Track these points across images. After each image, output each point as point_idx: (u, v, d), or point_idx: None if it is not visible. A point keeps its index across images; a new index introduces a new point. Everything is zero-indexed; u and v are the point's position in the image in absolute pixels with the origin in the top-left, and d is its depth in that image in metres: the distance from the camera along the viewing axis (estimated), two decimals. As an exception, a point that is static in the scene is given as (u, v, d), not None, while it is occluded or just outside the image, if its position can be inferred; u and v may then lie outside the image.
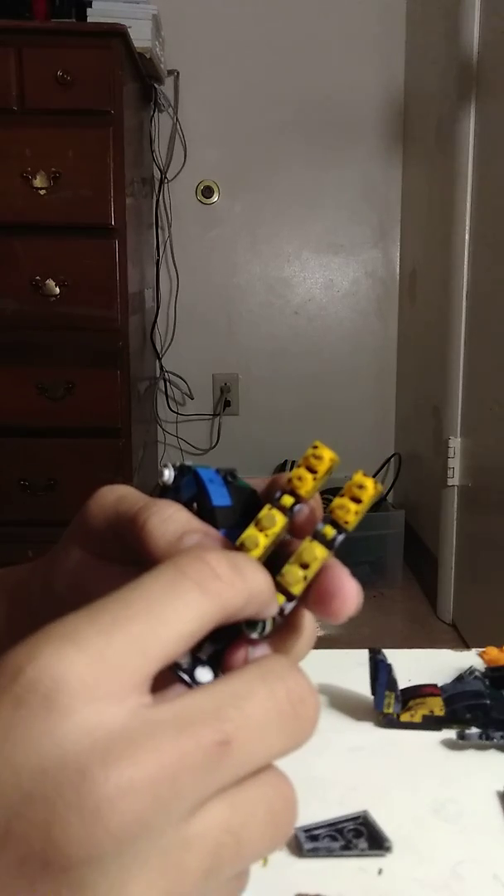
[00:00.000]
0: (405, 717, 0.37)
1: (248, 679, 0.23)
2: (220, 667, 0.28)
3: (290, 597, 0.28)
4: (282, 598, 0.28)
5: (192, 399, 2.68)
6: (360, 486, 0.28)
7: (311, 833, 0.29)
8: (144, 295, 2.45)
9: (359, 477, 0.29)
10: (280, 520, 0.29)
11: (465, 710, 0.37)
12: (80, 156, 1.97)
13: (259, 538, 0.28)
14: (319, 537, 0.28)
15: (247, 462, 2.67)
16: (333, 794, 0.32)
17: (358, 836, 0.29)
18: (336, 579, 0.28)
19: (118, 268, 2.02)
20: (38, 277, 2.00)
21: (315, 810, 0.31)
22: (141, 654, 0.22)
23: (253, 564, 0.27)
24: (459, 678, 0.40)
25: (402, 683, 0.39)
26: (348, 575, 0.29)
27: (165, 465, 0.33)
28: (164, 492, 0.33)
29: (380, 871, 0.28)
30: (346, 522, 0.28)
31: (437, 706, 0.37)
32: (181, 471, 0.33)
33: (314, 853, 0.28)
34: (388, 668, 0.38)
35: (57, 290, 2.01)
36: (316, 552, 0.28)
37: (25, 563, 0.37)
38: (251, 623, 0.28)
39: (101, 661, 0.21)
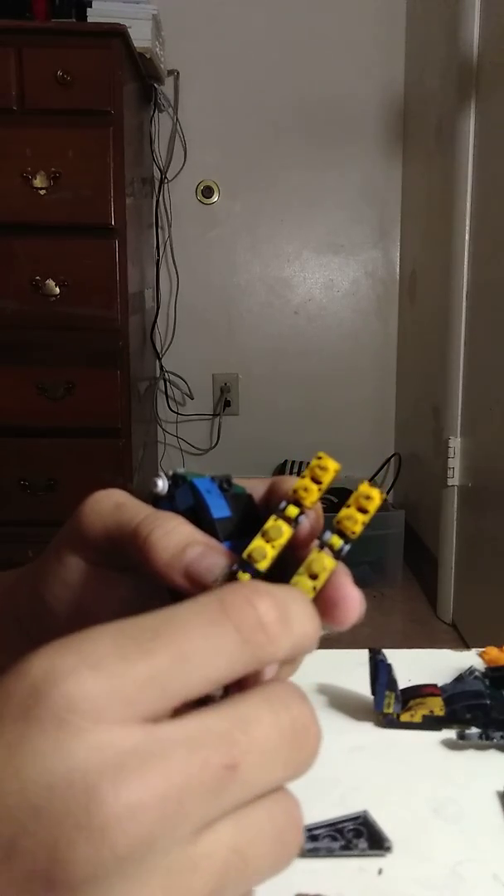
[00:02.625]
0: (405, 717, 0.37)
1: (254, 704, 0.23)
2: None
3: None
4: None
5: (192, 399, 2.68)
6: (367, 497, 0.29)
7: (311, 833, 0.29)
8: (144, 295, 2.45)
9: (365, 488, 0.29)
10: (286, 531, 0.29)
11: (465, 710, 0.37)
12: (80, 156, 1.97)
13: (266, 550, 0.28)
14: (327, 546, 0.29)
15: (247, 462, 2.67)
16: (333, 794, 0.32)
17: (358, 836, 0.29)
18: (341, 588, 0.29)
19: (118, 268, 2.02)
20: (38, 277, 2.00)
21: (315, 810, 0.31)
22: (160, 689, 0.21)
23: (305, 611, 0.26)
24: (459, 678, 0.40)
25: (402, 683, 0.39)
26: (352, 583, 0.29)
27: (158, 476, 0.33)
28: (156, 500, 0.33)
29: (380, 871, 0.28)
30: (353, 533, 0.29)
31: (437, 706, 0.37)
32: (175, 480, 0.33)
33: (314, 853, 0.28)
34: (388, 668, 0.38)
35: (57, 290, 2.01)
36: (325, 563, 0.28)
37: (8, 570, 0.37)
38: None
39: (119, 690, 0.21)
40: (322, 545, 0.29)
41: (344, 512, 0.29)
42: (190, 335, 2.64)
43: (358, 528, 0.29)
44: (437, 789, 0.33)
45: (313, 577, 0.28)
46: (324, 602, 0.29)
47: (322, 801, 0.32)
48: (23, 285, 2.01)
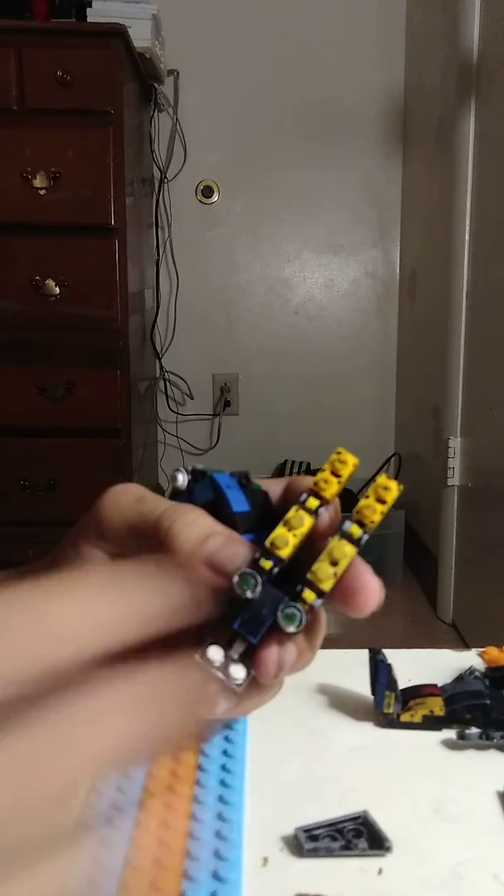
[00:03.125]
0: (405, 717, 0.37)
1: None
2: (251, 664, 0.29)
3: (320, 594, 0.29)
4: (311, 596, 0.29)
5: (192, 399, 2.68)
6: (386, 488, 0.30)
7: (311, 833, 0.29)
8: (144, 295, 2.45)
9: (383, 479, 0.30)
10: (308, 521, 0.30)
11: (465, 710, 0.37)
12: (80, 156, 1.97)
13: (289, 538, 0.29)
14: (347, 536, 0.30)
15: (247, 462, 2.67)
16: (333, 794, 0.32)
17: (358, 836, 0.29)
18: (360, 576, 0.30)
19: (118, 268, 2.02)
20: (38, 277, 2.00)
21: (315, 810, 0.31)
22: None
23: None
24: (459, 678, 0.40)
25: (402, 683, 0.39)
26: (371, 571, 0.30)
27: (178, 470, 0.33)
28: (175, 495, 0.34)
29: (380, 871, 0.28)
30: (372, 522, 0.30)
31: (437, 706, 0.37)
32: (194, 475, 0.33)
33: (314, 853, 0.28)
34: (388, 668, 0.38)
35: (57, 290, 2.01)
36: (346, 550, 0.29)
37: (8, 569, 0.37)
38: (289, 616, 0.29)
39: None
40: (342, 535, 0.30)
41: (363, 502, 0.30)
42: (190, 335, 2.64)
43: (377, 518, 0.30)
44: (437, 789, 0.33)
45: (334, 563, 0.29)
46: (343, 590, 0.30)
47: (322, 801, 0.32)
48: (23, 285, 2.01)
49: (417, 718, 0.37)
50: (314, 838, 0.29)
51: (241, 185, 2.61)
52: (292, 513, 0.30)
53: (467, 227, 1.95)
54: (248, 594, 0.29)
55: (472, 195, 1.93)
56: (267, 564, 0.29)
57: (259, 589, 0.29)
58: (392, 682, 0.38)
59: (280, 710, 0.39)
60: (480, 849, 0.29)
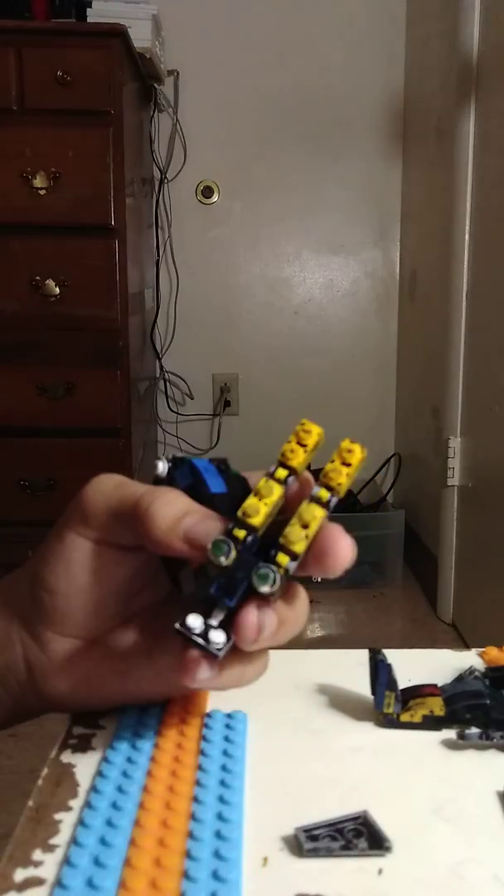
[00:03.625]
0: (405, 717, 0.37)
1: None
2: (231, 628, 0.30)
3: (293, 556, 0.30)
4: (285, 559, 0.30)
5: (192, 399, 2.68)
6: (350, 451, 0.31)
7: (311, 833, 0.29)
8: (144, 295, 2.45)
9: (346, 443, 0.31)
10: (277, 490, 0.31)
11: (465, 710, 0.37)
12: (80, 156, 1.97)
13: (259, 506, 0.30)
14: (316, 500, 0.30)
15: (247, 462, 2.63)
16: (333, 794, 0.32)
17: (358, 836, 0.29)
18: (331, 536, 0.30)
19: (118, 268, 2.02)
20: (38, 277, 2.00)
21: (315, 810, 0.31)
22: None
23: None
24: (459, 678, 0.40)
25: (402, 683, 0.39)
26: (342, 531, 0.31)
27: (159, 458, 0.34)
28: (156, 482, 0.34)
29: (380, 871, 0.28)
30: (339, 485, 0.30)
31: (437, 706, 0.37)
32: (175, 462, 0.34)
33: (314, 853, 0.28)
34: (388, 668, 0.38)
35: (57, 290, 2.01)
36: (315, 512, 0.30)
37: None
38: (262, 576, 0.29)
39: None
40: (311, 499, 0.30)
41: (329, 466, 0.31)
42: (190, 335, 2.64)
43: (343, 480, 0.30)
44: (437, 789, 0.33)
45: (304, 526, 0.30)
46: (316, 550, 0.30)
47: (322, 801, 0.32)
48: (23, 285, 2.01)
49: (417, 718, 0.37)
50: (314, 838, 0.29)
51: (241, 185, 2.61)
52: (262, 483, 0.31)
53: (467, 227, 1.95)
54: (223, 560, 0.30)
55: (472, 195, 1.93)
56: (240, 534, 0.30)
57: (233, 555, 0.30)
58: (392, 682, 0.38)
59: (280, 710, 0.39)
60: (480, 849, 0.29)
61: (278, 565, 0.30)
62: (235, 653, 0.31)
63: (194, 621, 0.30)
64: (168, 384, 2.67)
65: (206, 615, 0.30)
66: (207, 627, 0.30)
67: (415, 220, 2.53)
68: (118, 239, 2.01)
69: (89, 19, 2.05)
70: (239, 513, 0.30)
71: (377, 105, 2.59)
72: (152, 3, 2.18)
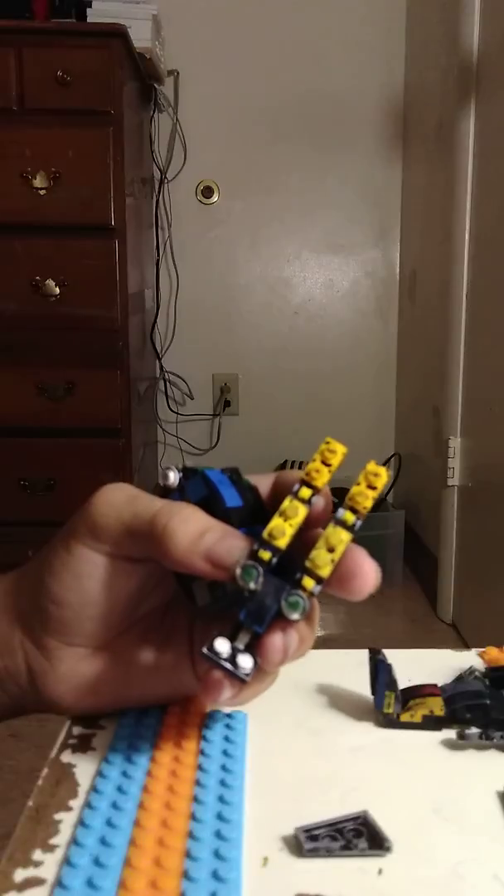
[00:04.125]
0: (405, 717, 0.37)
1: None
2: (256, 652, 0.30)
3: (319, 580, 0.30)
4: (311, 583, 0.30)
5: (192, 399, 2.68)
6: (376, 475, 0.31)
7: (311, 833, 0.29)
8: (144, 295, 2.45)
9: (373, 466, 0.31)
10: (302, 511, 0.31)
11: (465, 710, 0.37)
12: (80, 156, 1.97)
13: (285, 528, 0.30)
14: (341, 523, 0.30)
15: (247, 462, 2.66)
16: (333, 794, 0.32)
17: (358, 836, 0.29)
18: (356, 560, 0.30)
19: (118, 268, 2.02)
20: (38, 277, 2.01)
21: (315, 810, 0.31)
22: None
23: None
24: (459, 678, 0.40)
25: (402, 683, 0.39)
26: (366, 555, 0.31)
27: (169, 468, 0.34)
28: (166, 493, 0.34)
29: (380, 871, 0.28)
30: (365, 508, 0.30)
31: (437, 706, 0.37)
32: (185, 473, 0.34)
33: (314, 853, 0.28)
34: (388, 668, 0.38)
35: (57, 290, 2.01)
36: (341, 536, 0.30)
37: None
38: (293, 604, 0.29)
39: None
40: (336, 522, 0.30)
41: (355, 489, 0.31)
42: (190, 335, 2.64)
43: (369, 504, 0.30)
44: (437, 789, 0.33)
45: (331, 549, 0.30)
46: (341, 574, 0.30)
47: (322, 801, 0.32)
48: (23, 285, 2.01)
49: (417, 718, 0.37)
50: (314, 838, 0.29)
51: (241, 185, 2.61)
52: (287, 503, 0.31)
53: (467, 227, 1.95)
54: (252, 586, 0.29)
55: (472, 195, 1.93)
56: (266, 555, 0.30)
57: (261, 580, 0.29)
58: (392, 682, 0.38)
59: (280, 710, 0.39)
60: (480, 849, 0.29)
61: (304, 588, 0.30)
62: (257, 672, 0.31)
63: (222, 646, 0.30)
64: (168, 384, 2.67)
65: (232, 638, 0.30)
66: (234, 651, 0.30)
67: (415, 220, 2.53)
68: (118, 239, 2.02)
69: (89, 19, 2.05)
70: (265, 534, 0.30)
71: (377, 105, 2.59)
72: (152, 3, 2.18)
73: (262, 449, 2.68)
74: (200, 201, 2.61)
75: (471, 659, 0.44)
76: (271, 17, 2.52)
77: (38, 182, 1.97)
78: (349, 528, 0.30)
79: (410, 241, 2.58)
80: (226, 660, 0.29)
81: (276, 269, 2.67)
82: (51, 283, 2.01)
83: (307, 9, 2.52)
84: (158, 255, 2.60)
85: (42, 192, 1.97)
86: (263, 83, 2.55)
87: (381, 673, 0.38)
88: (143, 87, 2.36)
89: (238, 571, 0.29)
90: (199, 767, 0.32)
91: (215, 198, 2.61)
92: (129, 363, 2.09)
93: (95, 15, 2.06)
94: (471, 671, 0.41)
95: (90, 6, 2.06)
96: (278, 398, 2.70)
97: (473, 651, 0.45)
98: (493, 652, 0.44)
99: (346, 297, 2.70)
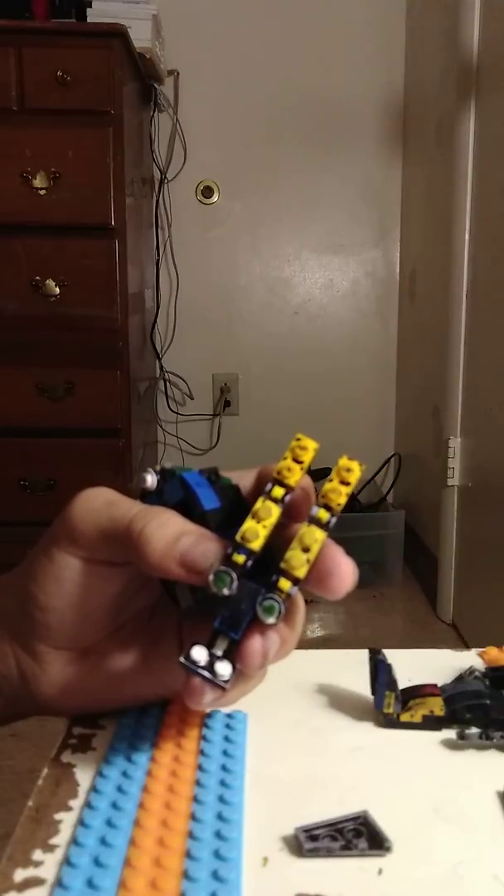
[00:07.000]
0: (405, 717, 0.37)
1: None
2: (236, 657, 0.30)
3: (295, 581, 0.29)
4: (287, 584, 0.29)
5: (192, 399, 2.68)
6: (348, 470, 0.30)
7: (311, 833, 0.29)
8: (144, 295, 2.45)
9: (345, 461, 0.30)
10: (275, 511, 0.30)
11: (465, 710, 0.37)
12: (80, 156, 1.97)
13: (258, 530, 0.29)
14: (315, 521, 0.30)
15: (247, 462, 2.64)
16: (333, 794, 0.32)
17: (358, 836, 0.29)
18: (332, 559, 0.30)
19: (118, 268, 2.02)
20: (38, 277, 2.01)
21: (315, 810, 0.31)
22: None
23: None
24: (459, 678, 0.40)
25: (402, 683, 0.39)
26: (343, 553, 0.30)
27: (146, 471, 0.33)
28: (144, 495, 0.33)
29: (380, 871, 0.28)
30: (338, 505, 0.30)
31: (437, 706, 0.37)
32: (163, 475, 0.33)
33: (314, 853, 0.28)
34: (388, 668, 0.38)
35: (57, 290, 2.01)
36: (316, 535, 0.29)
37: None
38: (268, 608, 0.29)
39: None
40: (310, 520, 0.30)
41: (328, 486, 0.30)
42: (190, 335, 2.64)
43: (342, 500, 0.30)
44: (437, 789, 0.33)
45: (305, 549, 0.29)
46: (318, 573, 0.30)
47: (322, 801, 0.32)
48: (23, 285, 2.01)
49: (417, 718, 0.37)
50: (314, 838, 0.29)
51: (241, 185, 2.61)
52: (259, 504, 0.30)
53: (467, 227, 1.95)
54: (226, 591, 0.29)
55: (472, 195, 1.93)
56: (240, 559, 0.29)
57: (235, 585, 0.29)
58: (392, 682, 0.38)
59: (280, 710, 0.39)
60: (480, 849, 0.29)
61: (280, 590, 0.29)
62: (239, 675, 0.31)
63: (199, 654, 0.29)
64: (168, 384, 2.67)
65: (210, 645, 0.30)
66: (212, 658, 0.29)
67: (415, 220, 2.53)
68: (118, 239, 2.02)
69: (89, 19, 2.05)
70: (238, 537, 0.29)
71: (377, 105, 2.59)
72: (152, 3, 2.18)
73: (262, 449, 2.68)
74: (200, 201, 2.61)
75: (471, 659, 0.44)
76: (271, 17, 2.52)
77: (38, 182, 1.97)
78: (324, 525, 0.30)
79: (410, 241, 2.58)
80: (203, 668, 0.29)
81: (275, 269, 2.67)
82: (51, 283, 2.01)
83: (307, 9, 2.52)
84: (158, 255, 2.60)
85: (42, 192, 1.97)
86: (263, 83, 2.55)
87: (381, 673, 0.38)
88: (143, 87, 2.36)
89: (211, 578, 0.29)
90: (199, 767, 0.32)
91: (215, 198, 2.61)
92: (128, 363, 2.09)
93: (95, 15, 2.06)
94: (471, 671, 0.41)
95: (90, 6, 2.06)
96: (278, 398, 2.70)
97: (473, 651, 0.45)
98: (493, 652, 0.44)
99: (346, 297, 2.70)
